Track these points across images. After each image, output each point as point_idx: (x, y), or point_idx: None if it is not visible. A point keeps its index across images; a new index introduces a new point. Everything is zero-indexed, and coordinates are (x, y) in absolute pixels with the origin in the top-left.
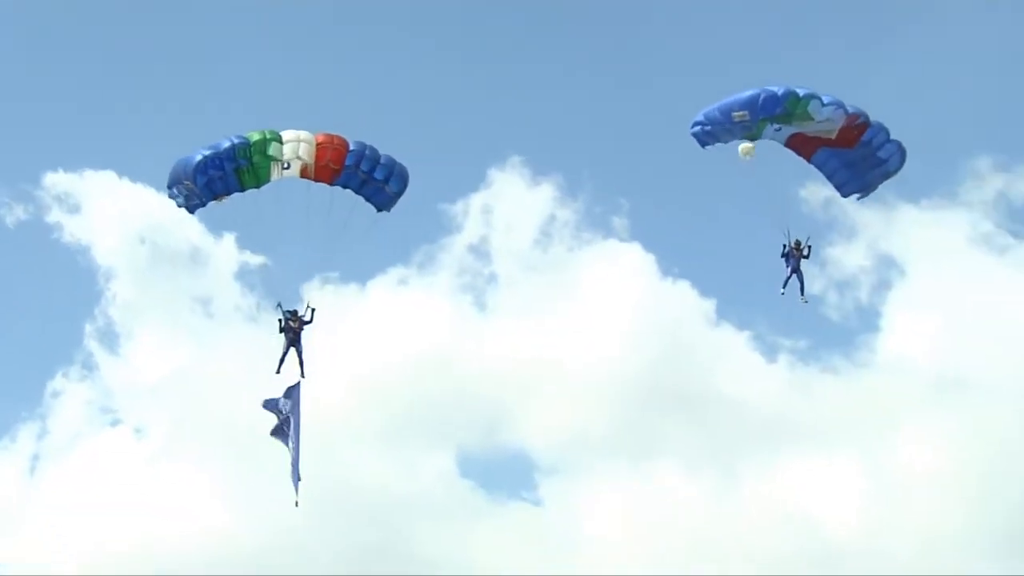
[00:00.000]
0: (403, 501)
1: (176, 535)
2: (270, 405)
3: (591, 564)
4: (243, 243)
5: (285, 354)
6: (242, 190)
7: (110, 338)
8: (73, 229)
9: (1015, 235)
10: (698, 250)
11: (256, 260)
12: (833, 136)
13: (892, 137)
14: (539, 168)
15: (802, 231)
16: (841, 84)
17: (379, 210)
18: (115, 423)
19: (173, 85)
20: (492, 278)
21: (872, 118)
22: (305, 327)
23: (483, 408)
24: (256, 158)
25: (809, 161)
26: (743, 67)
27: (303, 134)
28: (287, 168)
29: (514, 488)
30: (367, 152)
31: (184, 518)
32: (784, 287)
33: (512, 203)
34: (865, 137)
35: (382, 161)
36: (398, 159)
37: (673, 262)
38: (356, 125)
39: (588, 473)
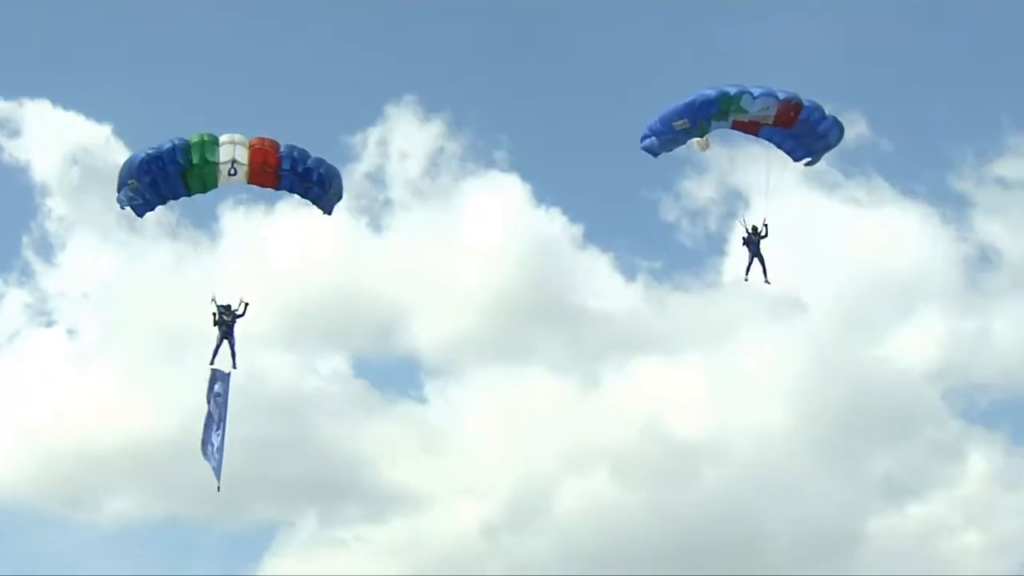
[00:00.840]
0: (303, 398)
1: (102, 427)
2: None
3: (470, 454)
4: None
5: (219, 346)
6: (189, 194)
7: (45, 248)
8: (12, 150)
9: (845, 174)
10: (569, 181)
11: None
12: (771, 120)
13: (827, 113)
14: (430, 106)
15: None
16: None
17: (325, 213)
18: (50, 324)
19: (103, 20)
20: (387, 203)
21: (805, 99)
22: (238, 320)
23: (376, 316)
24: (196, 160)
25: (757, 136)
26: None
27: (236, 136)
28: (234, 174)
29: (403, 387)
30: (296, 153)
31: (109, 411)
32: (747, 273)
33: (405, 136)
34: (802, 116)
35: (310, 163)
36: (318, 153)
37: (546, 191)
38: (265, 66)
39: (469, 375)
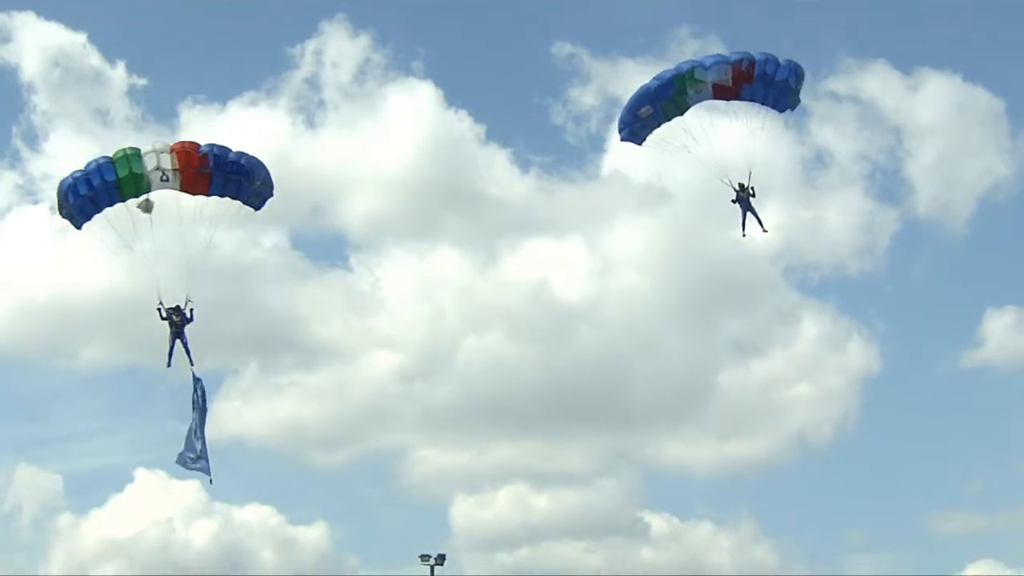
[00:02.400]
0: (247, 266)
1: (79, 286)
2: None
3: (388, 314)
4: (132, 69)
5: (172, 347)
6: (124, 199)
7: (32, 138)
8: (3, 54)
9: None
10: (475, 88)
11: (142, 82)
12: (730, 82)
13: (781, 60)
14: (359, 23)
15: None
16: None
17: (256, 208)
18: (36, 202)
19: None
20: (320, 103)
21: (757, 53)
22: (187, 323)
23: (311, 198)
24: (124, 173)
25: (740, 99)
26: None
27: (157, 144)
28: (166, 180)
29: (332, 258)
30: (216, 150)
31: (88, 276)
32: (743, 229)
33: (337, 48)
34: (756, 72)
35: (231, 156)
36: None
37: (456, 96)
38: None
39: (388, 249)
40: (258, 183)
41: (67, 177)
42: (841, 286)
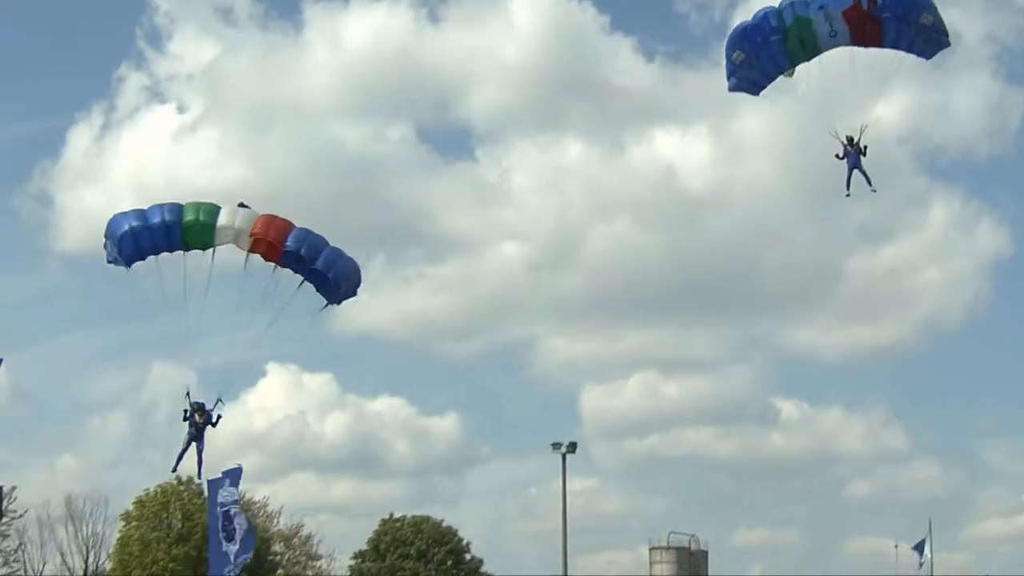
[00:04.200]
0: (375, 160)
1: (206, 182)
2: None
3: (515, 206)
4: None
5: (185, 449)
6: (186, 249)
7: (155, 39)
8: None
9: None
10: None
11: None
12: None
13: None
14: None
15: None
16: None
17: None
18: (163, 102)
19: None
20: None
21: None
22: (208, 427)
23: (435, 91)
24: (193, 225)
25: (882, 47)
26: None
27: (239, 222)
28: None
29: (458, 151)
30: (304, 250)
31: (213, 169)
32: (848, 187)
33: None
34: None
35: (320, 264)
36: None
37: None
38: None
39: (514, 141)
40: (341, 292)
41: (122, 221)
42: (970, 169)
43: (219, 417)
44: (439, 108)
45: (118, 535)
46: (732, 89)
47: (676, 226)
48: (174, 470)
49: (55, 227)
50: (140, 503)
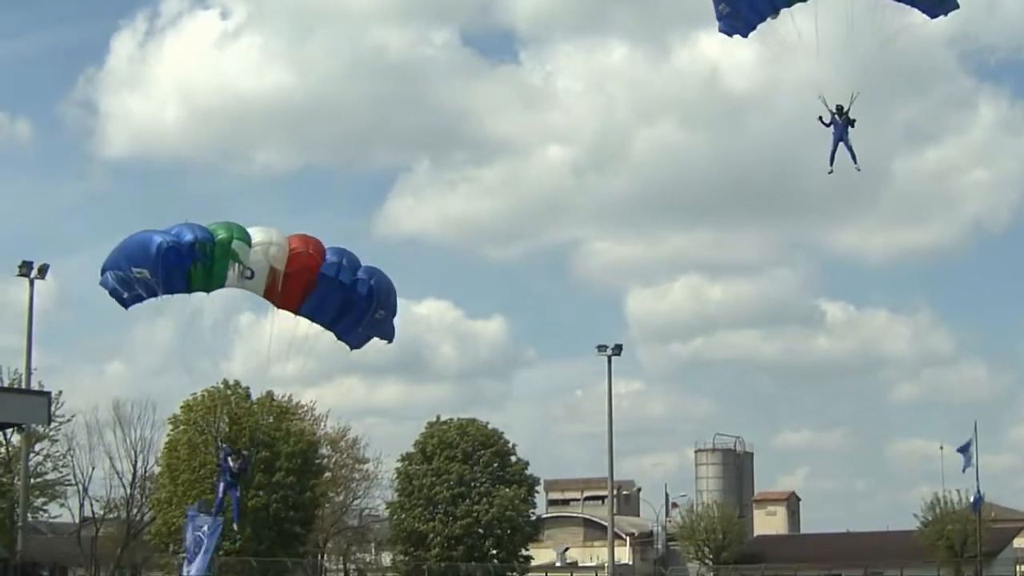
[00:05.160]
0: (419, 64)
1: (251, 89)
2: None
3: (561, 108)
4: None
5: (222, 499)
6: (188, 291)
7: None
8: None
9: None
10: None
11: None
12: None
13: None
14: None
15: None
16: None
17: (353, 347)
18: (207, 7)
19: None
20: None
21: None
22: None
23: None
24: (219, 253)
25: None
26: None
27: (275, 234)
28: (249, 277)
29: (502, 55)
30: (345, 261)
31: (256, 75)
32: (831, 162)
33: None
34: None
35: (361, 274)
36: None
37: None
38: None
39: (557, 44)
40: (379, 313)
41: (151, 236)
42: (1018, 70)
43: (249, 465)
44: (483, 11)
45: (166, 439)
46: (722, 31)
47: (721, 127)
48: (215, 514)
49: (100, 134)
50: (187, 407)
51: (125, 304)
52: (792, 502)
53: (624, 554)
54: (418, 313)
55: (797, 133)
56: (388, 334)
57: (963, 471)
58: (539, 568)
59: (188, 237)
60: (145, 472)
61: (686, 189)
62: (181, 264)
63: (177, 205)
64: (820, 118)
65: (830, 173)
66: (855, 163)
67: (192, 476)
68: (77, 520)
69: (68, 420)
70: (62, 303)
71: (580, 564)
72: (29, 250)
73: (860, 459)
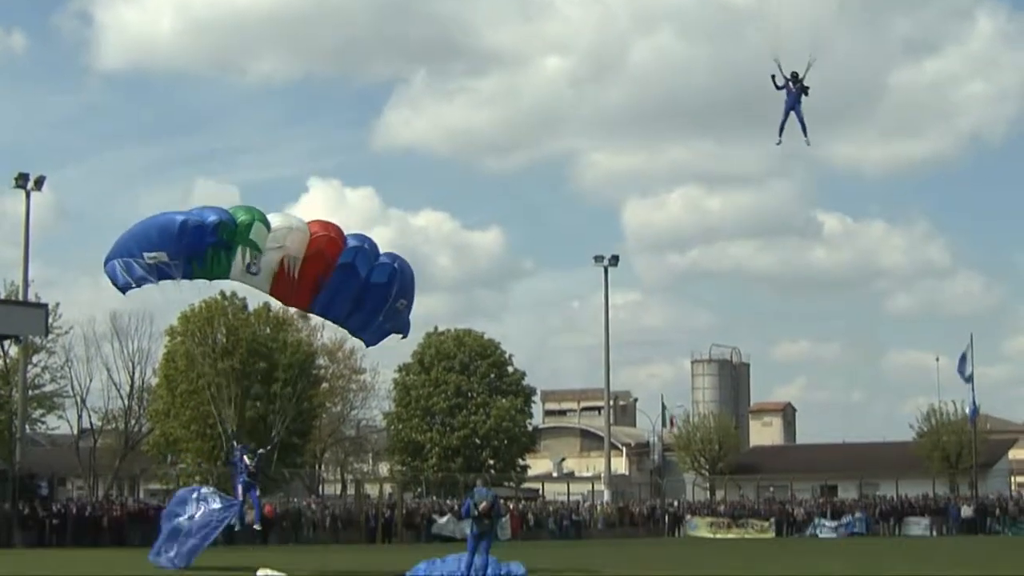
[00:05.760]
0: None
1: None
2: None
3: (558, 18)
4: None
5: (243, 505)
6: (193, 277)
7: None
8: None
9: None
10: None
11: None
12: None
13: None
14: None
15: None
16: None
17: (369, 343)
18: None
19: None
20: None
21: None
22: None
23: None
24: (237, 239)
25: None
26: None
27: (295, 220)
28: (255, 273)
29: None
30: (367, 246)
31: None
32: (780, 132)
33: None
34: None
35: (383, 258)
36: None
37: None
38: None
39: None
40: (401, 302)
41: (171, 215)
42: None
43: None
44: None
45: (163, 350)
46: None
47: (719, 38)
48: (255, 523)
49: (95, 45)
50: (185, 318)
51: (123, 289)
52: (788, 413)
53: (620, 464)
54: (415, 224)
55: (795, 44)
56: (405, 327)
57: (965, 381)
58: (535, 478)
59: (212, 218)
60: (143, 383)
61: (684, 100)
62: (202, 242)
63: (174, 117)
64: (773, 78)
65: (778, 144)
66: (805, 136)
67: (190, 387)
68: (75, 432)
69: (66, 332)
70: (59, 215)
71: (577, 474)
72: (25, 162)
73: (856, 370)
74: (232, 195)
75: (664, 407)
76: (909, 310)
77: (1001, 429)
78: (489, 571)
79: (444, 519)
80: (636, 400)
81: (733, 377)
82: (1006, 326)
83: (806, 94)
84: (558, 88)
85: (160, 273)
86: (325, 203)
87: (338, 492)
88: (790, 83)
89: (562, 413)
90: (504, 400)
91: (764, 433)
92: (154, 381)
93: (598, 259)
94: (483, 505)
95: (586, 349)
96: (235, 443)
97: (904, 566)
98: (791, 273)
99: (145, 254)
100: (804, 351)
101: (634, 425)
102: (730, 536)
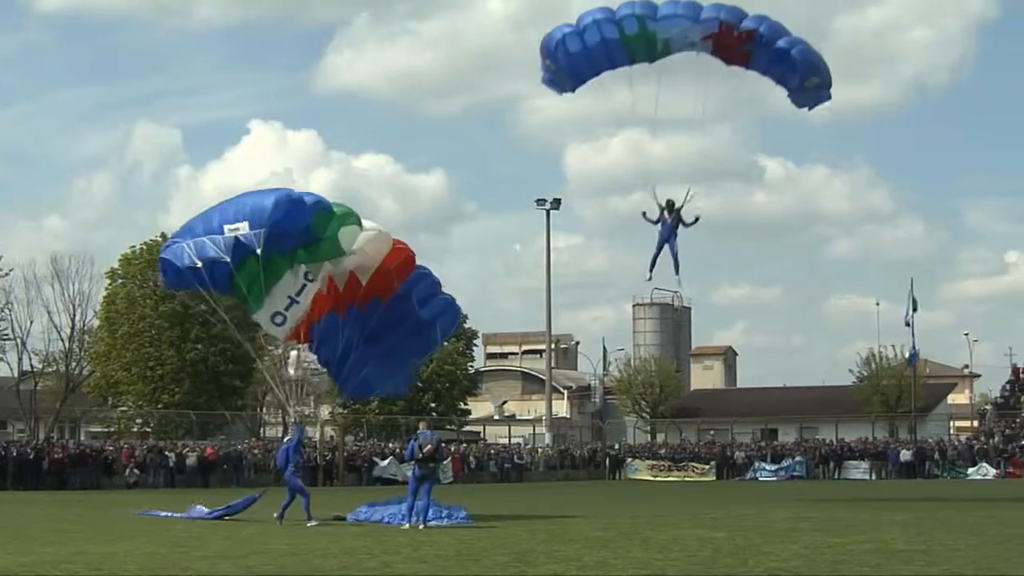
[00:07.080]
0: None
1: None
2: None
3: None
4: None
5: (290, 500)
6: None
7: None
8: None
9: None
10: None
11: None
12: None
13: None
14: None
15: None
16: None
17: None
18: None
19: None
20: None
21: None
22: None
23: None
24: (328, 232)
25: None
26: None
27: (383, 232)
28: (310, 280)
29: None
30: (432, 276)
31: None
32: (651, 269)
33: None
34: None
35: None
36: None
37: None
38: None
39: None
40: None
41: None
42: None
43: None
44: None
45: (104, 293)
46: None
47: None
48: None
49: None
50: (126, 260)
51: (179, 285)
52: (729, 357)
53: (562, 407)
54: (357, 167)
55: None
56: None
57: (906, 325)
58: (477, 421)
59: (310, 199)
60: (84, 326)
61: None
62: (300, 219)
63: (115, 60)
64: (644, 214)
65: (648, 280)
66: (677, 274)
67: (130, 329)
68: (16, 374)
69: (6, 274)
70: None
71: (518, 417)
72: None
73: (797, 314)
74: (174, 137)
75: (605, 350)
76: (850, 255)
77: (940, 374)
78: (431, 514)
79: (385, 462)
80: (578, 343)
81: (674, 321)
82: (946, 272)
83: (685, 224)
84: (501, 32)
85: (239, 248)
86: (267, 145)
87: (280, 435)
88: (664, 213)
89: (503, 356)
90: (446, 343)
91: (705, 377)
92: (95, 323)
93: (540, 202)
94: (427, 448)
95: (528, 292)
96: (297, 422)
97: (843, 511)
98: (733, 217)
99: (227, 226)
100: (745, 295)
101: (575, 368)
102: (671, 479)
